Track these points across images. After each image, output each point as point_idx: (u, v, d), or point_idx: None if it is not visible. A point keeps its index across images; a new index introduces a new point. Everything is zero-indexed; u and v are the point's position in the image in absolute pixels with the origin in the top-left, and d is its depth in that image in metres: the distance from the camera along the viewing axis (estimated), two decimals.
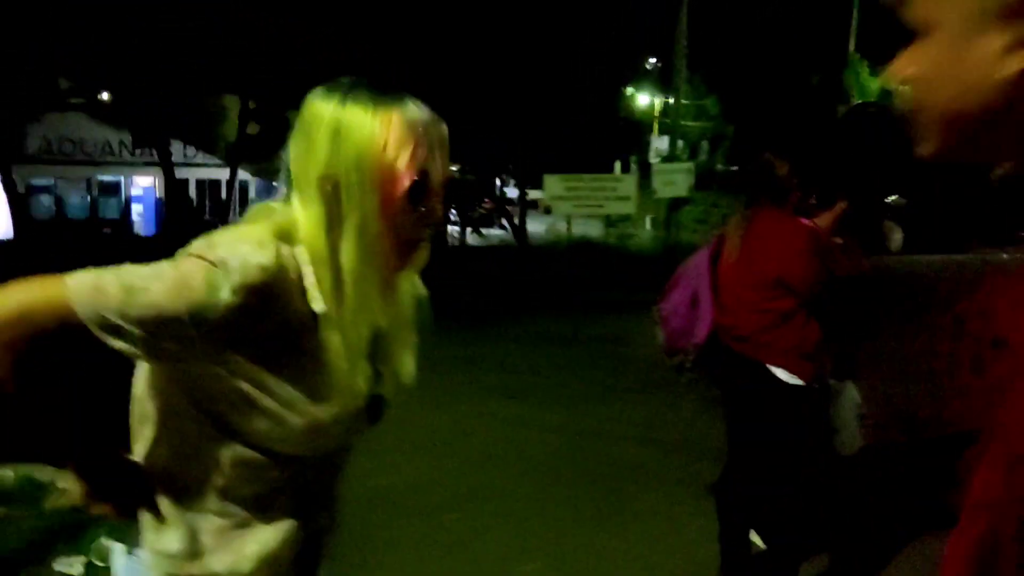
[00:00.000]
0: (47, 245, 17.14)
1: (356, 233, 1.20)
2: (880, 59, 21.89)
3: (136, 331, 1.12)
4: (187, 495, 1.27)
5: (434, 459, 5.07)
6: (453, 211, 23.29)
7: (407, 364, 1.41)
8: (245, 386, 1.20)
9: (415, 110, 1.24)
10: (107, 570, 1.41)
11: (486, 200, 24.37)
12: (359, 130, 1.20)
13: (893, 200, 22.52)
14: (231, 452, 1.25)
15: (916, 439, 5.57)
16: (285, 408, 1.21)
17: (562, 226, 20.25)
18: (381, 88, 1.25)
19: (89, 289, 1.13)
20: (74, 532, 3.52)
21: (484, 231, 24.06)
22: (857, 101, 21.16)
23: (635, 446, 5.40)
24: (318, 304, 1.20)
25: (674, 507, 4.22)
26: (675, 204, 20.49)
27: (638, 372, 6.84)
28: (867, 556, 3.69)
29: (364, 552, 3.67)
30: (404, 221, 1.24)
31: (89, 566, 3.29)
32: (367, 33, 15.50)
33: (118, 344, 1.14)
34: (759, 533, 3.41)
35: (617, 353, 8.12)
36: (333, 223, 1.20)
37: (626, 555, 3.75)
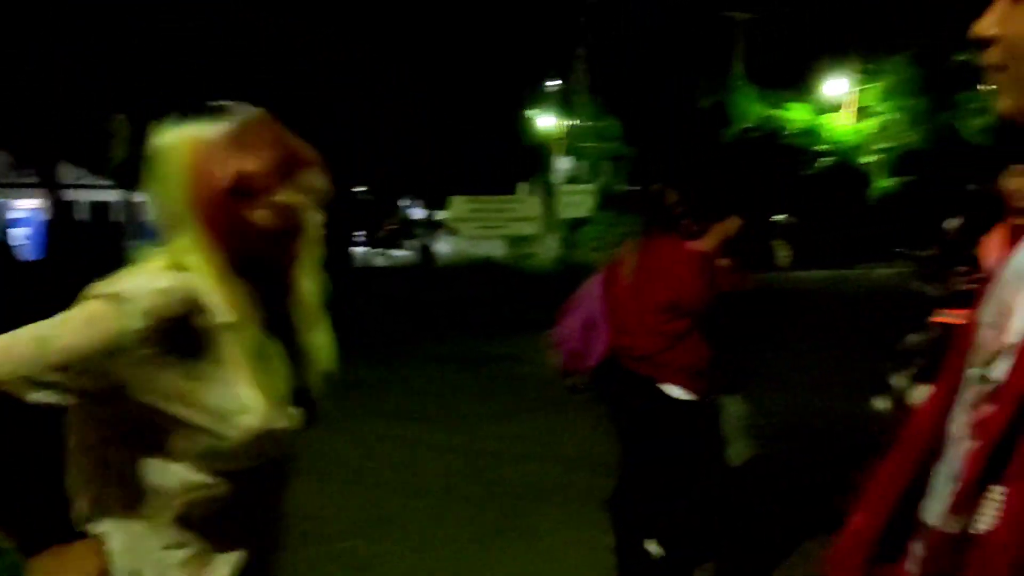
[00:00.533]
0: None
1: (205, 248, 1.26)
2: (764, 85, 22.88)
3: (57, 378, 1.16)
4: (145, 534, 1.28)
5: (333, 484, 4.99)
6: (360, 232, 23.13)
7: (321, 350, 1.44)
8: (175, 408, 1.23)
9: (228, 120, 1.29)
10: None
11: (389, 221, 24.26)
12: (179, 156, 1.27)
13: (782, 219, 23.50)
14: (178, 479, 1.27)
15: (802, 448, 5.82)
16: (218, 421, 1.24)
17: (467, 247, 20.35)
18: (206, 109, 1.31)
19: (1, 352, 1.17)
20: None
21: (390, 252, 23.94)
22: (743, 125, 22.05)
23: (533, 464, 5.45)
24: (218, 316, 1.26)
25: (572, 523, 4.27)
26: (576, 224, 20.87)
27: (537, 391, 6.91)
28: (755, 563, 3.82)
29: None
30: (241, 222, 1.28)
31: None
32: (266, 56, 15.30)
33: (41, 396, 1.17)
34: (657, 543, 3.50)
35: (517, 373, 8.19)
36: (192, 245, 1.26)
37: (525, 572, 3.78)
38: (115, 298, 1.19)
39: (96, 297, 1.21)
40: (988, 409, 0.81)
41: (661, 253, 3.27)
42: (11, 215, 25.29)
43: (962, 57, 21.26)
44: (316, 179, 1.36)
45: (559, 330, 3.54)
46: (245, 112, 1.31)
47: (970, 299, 3.22)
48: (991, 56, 0.82)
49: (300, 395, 1.37)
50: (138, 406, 1.23)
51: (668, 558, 3.28)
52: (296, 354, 1.38)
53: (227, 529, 1.32)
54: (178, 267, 1.26)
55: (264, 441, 1.29)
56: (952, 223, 3.32)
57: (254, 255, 1.32)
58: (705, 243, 3.35)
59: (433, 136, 18.39)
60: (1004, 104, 0.83)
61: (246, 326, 1.28)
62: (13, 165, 19.67)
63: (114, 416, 1.25)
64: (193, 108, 1.30)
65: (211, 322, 1.25)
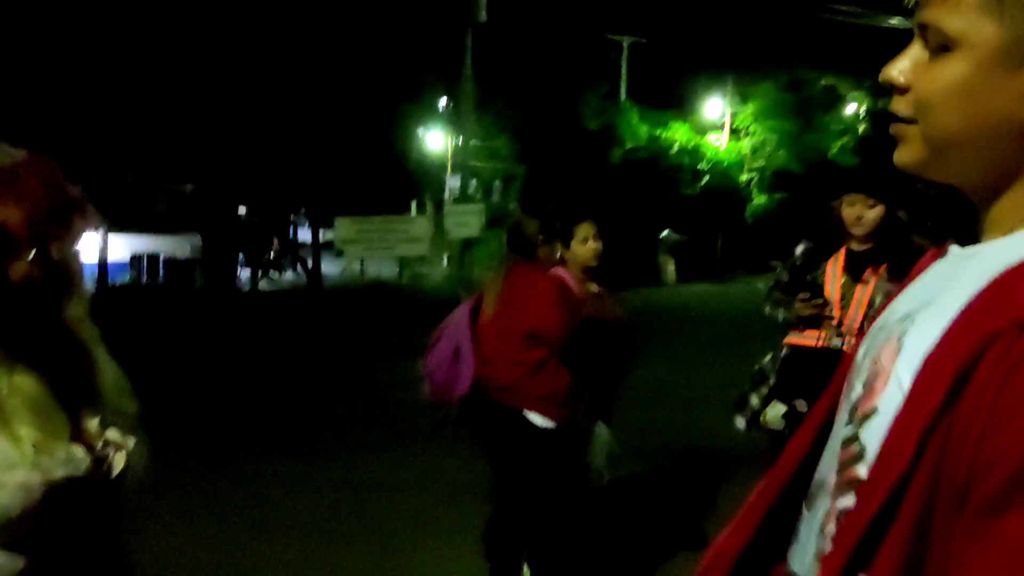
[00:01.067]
0: None
1: None
2: (648, 106, 23.56)
3: None
4: None
5: (205, 527, 4.79)
6: (242, 256, 22.45)
7: (113, 390, 1.35)
8: None
9: None
10: None
11: (275, 243, 23.69)
12: None
13: (667, 237, 24.10)
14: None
15: (672, 467, 5.96)
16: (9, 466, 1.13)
17: (356, 268, 20.08)
18: (88, 148, 1.20)
19: None
20: None
21: (275, 275, 23.37)
22: (628, 146, 22.62)
23: (414, 495, 5.38)
24: None
25: (451, 554, 4.23)
26: (468, 244, 20.90)
27: (423, 418, 6.84)
28: None
29: None
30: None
31: None
32: (129, 76, 14.70)
33: None
34: (528, 570, 3.50)
35: (404, 399, 8.06)
36: None
37: None
38: None
39: None
40: (850, 502, 0.78)
41: (521, 282, 3.31)
42: None
43: (827, 82, 22.46)
44: (86, 224, 1.25)
45: (428, 360, 3.51)
46: (7, 154, 1.18)
47: (813, 323, 3.34)
48: (899, 105, 0.79)
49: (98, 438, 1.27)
50: None
51: None
52: (86, 397, 1.28)
53: None
54: None
55: (46, 496, 1.16)
56: (799, 248, 3.46)
57: (13, 308, 1.19)
58: (566, 271, 3.40)
59: (319, 155, 18.06)
60: (906, 156, 0.80)
61: (8, 375, 1.17)
62: None
63: None
64: None
65: None
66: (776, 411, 3.36)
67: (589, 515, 3.81)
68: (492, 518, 3.51)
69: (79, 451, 1.22)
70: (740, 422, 3.52)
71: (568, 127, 22.70)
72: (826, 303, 3.20)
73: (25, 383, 1.20)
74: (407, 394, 8.16)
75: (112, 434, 1.28)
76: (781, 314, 3.38)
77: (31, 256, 1.17)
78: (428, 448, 6.36)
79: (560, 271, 3.42)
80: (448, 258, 26.20)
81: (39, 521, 1.17)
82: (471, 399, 3.39)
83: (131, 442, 1.32)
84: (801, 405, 3.33)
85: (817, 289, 3.24)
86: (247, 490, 5.55)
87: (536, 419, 3.23)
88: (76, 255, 1.25)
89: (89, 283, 20.41)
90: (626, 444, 4.29)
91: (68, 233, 1.22)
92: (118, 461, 1.27)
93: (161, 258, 23.81)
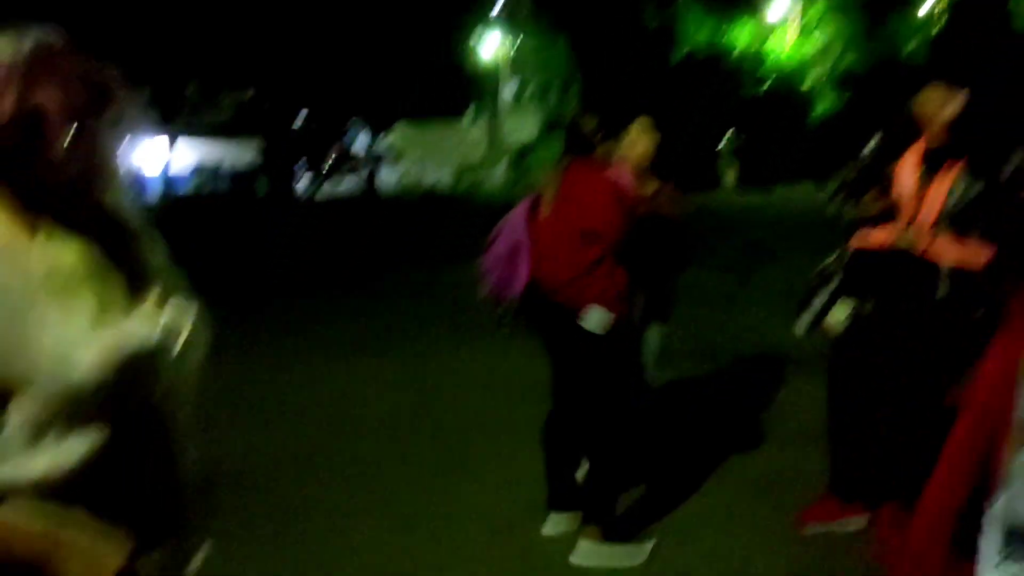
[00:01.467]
0: None
1: None
2: (710, 5, 22.65)
3: None
4: None
5: (269, 424, 5.00)
6: (302, 164, 22.64)
7: (161, 273, 1.34)
8: (7, 367, 1.13)
9: (17, 44, 1.16)
10: None
11: (334, 151, 23.76)
12: None
13: (728, 141, 23.50)
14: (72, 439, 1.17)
15: (729, 369, 5.98)
16: (57, 364, 1.14)
17: (413, 175, 20.12)
18: (154, 59, 1.20)
19: None
20: None
21: (333, 183, 23.53)
22: (688, 47, 21.89)
23: (478, 395, 5.52)
24: (14, 259, 1.15)
25: (513, 453, 4.35)
26: (525, 149, 20.72)
27: (485, 321, 6.95)
28: (677, 485, 3.96)
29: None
30: (30, 162, 1.17)
31: None
32: None
33: None
34: (584, 470, 3.59)
35: (466, 302, 8.19)
36: None
37: (464, 505, 3.86)
38: None
39: None
40: None
41: (578, 180, 3.29)
42: None
43: None
44: (126, 112, 1.24)
45: (487, 258, 3.55)
46: (42, 35, 1.17)
47: (884, 221, 3.29)
48: None
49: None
50: None
51: (594, 484, 3.37)
52: (139, 274, 1.29)
53: (109, 496, 1.22)
54: None
55: (118, 372, 1.18)
56: (869, 145, 3.36)
57: (55, 188, 1.20)
58: (623, 169, 3.37)
59: (377, 61, 17.90)
60: None
61: (59, 254, 1.18)
62: None
63: None
64: None
65: (12, 261, 1.15)
66: (840, 313, 3.33)
67: (644, 414, 3.89)
68: (550, 416, 3.60)
69: (142, 324, 1.24)
70: (801, 324, 3.50)
71: (627, 27, 22.01)
72: (897, 200, 3.13)
73: (80, 259, 1.21)
74: (467, 296, 8.32)
75: (170, 310, 1.29)
76: (849, 213, 3.32)
77: (69, 136, 1.17)
78: (489, 348, 6.49)
79: (617, 169, 3.39)
80: (504, 164, 26.10)
81: (112, 397, 1.18)
82: (528, 298, 3.43)
83: (189, 318, 1.32)
84: (867, 306, 3.30)
85: (889, 186, 3.16)
86: (313, 388, 5.76)
87: (592, 316, 3.25)
88: (115, 140, 1.25)
89: (154, 194, 20.79)
90: (679, 345, 4.34)
91: (105, 116, 1.22)
92: (180, 335, 1.29)
93: (224, 167, 24.16)
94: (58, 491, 1.17)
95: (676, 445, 4.51)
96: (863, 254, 3.29)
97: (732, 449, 4.36)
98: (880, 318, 3.26)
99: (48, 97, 1.15)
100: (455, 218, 16.11)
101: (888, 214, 3.20)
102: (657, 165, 3.76)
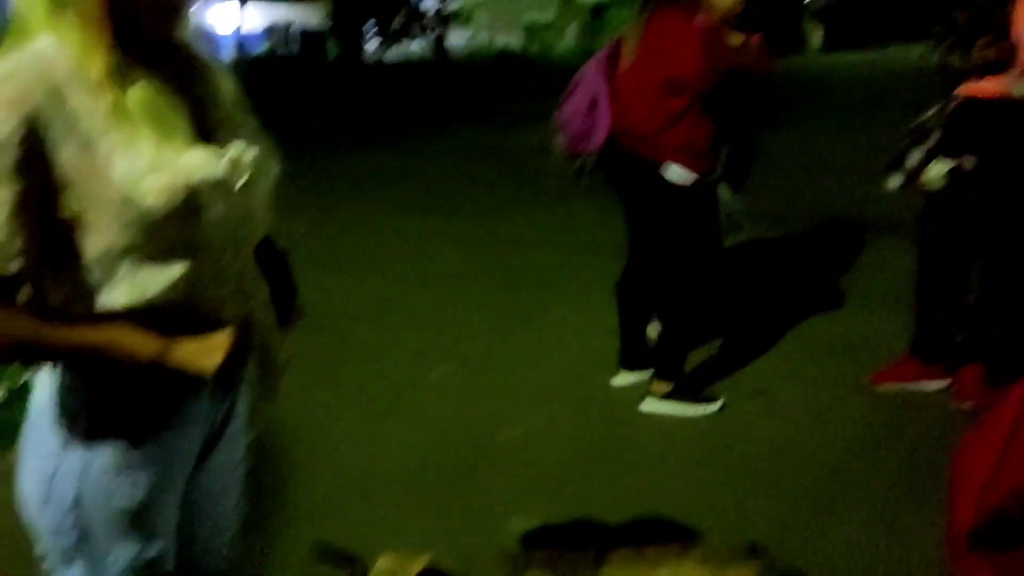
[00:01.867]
0: None
1: (81, 15, 1.13)
2: None
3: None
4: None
5: (346, 274, 5.11)
6: (371, 26, 22.23)
7: (227, 93, 1.34)
8: (83, 190, 1.13)
9: None
10: (27, 390, 1.39)
11: (403, 14, 23.21)
12: None
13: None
14: (141, 277, 1.19)
15: (807, 231, 5.82)
16: (131, 188, 1.15)
17: (482, 37, 19.62)
18: None
19: None
20: None
21: (402, 46, 23.12)
22: None
23: (549, 251, 5.52)
24: (91, 82, 1.14)
25: (586, 307, 4.37)
26: (598, 10, 19.92)
27: (556, 180, 6.88)
28: (749, 346, 3.93)
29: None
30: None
31: (10, 391, 3.30)
32: None
33: (15, 261, 1.12)
34: (657, 326, 3.58)
35: (536, 163, 8.11)
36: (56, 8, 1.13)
37: (534, 354, 3.91)
38: None
39: None
40: None
41: (663, 27, 3.11)
42: None
43: None
44: None
45: (563, 112, 3.43)
46: None
47: (996, 69, 3.06)
48: None
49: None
50: (51, 208, 1.13)
51: (667, 341, 3.36)
52: (208, 107, 1.28)
53: (200, 304, 1.26)
54: (25, 39, 1.13)
55: (191, 195, 1.19)
56: None
57: (126, 20, 1.17)
58: (712, 15, 3.15)
59: None
60: None
61: (128, 86, 1.16)
62: None
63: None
64: None
65: (85, 90, 1.13)
66: (939, 169, 3.15)
67: (721, 272, 3.82)
68: (625, 271, 3.56)
69: (211, 155, 1.23)
70: (894, 181, 3.34)
71: None
72: (1013, 46, 2.89)
73: (152, 90, 1.20)
74: (537, 158, 8.25)
75: (239, 144, 1.29)
76: (957, 62, 3.09)
77: None
78: (561, 205, 6.45)
79: (704, 18, 3.18)
80: (577, 25, 25.17)
81: (183, 226, 1.19)
82: (607, 150, 3.33)
83: (257, 151, 1.32)
84: (968, 162, 3.11)
85: (1004, 31, 2.91)
86: (386, 244, 5.83)
87: (674, 172, 3.15)
88: None
89: (226, 54, 20.79)
90: (759, 207, 4.22)
91: None
92: (247, 169, 1.29)
93: (295, 28, 23.91)
94: (144, 322, 1.21)
95: (751, 305, 4.47)
96: (970, 105, 3.07)
97: (808, 311, 4.29)
98: (981, 173, 3.08)
99: None
100: (525, 80, 15.77)
101: (1001, 63, 2.97)
102: (744, 19, 3.53)
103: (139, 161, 1.14)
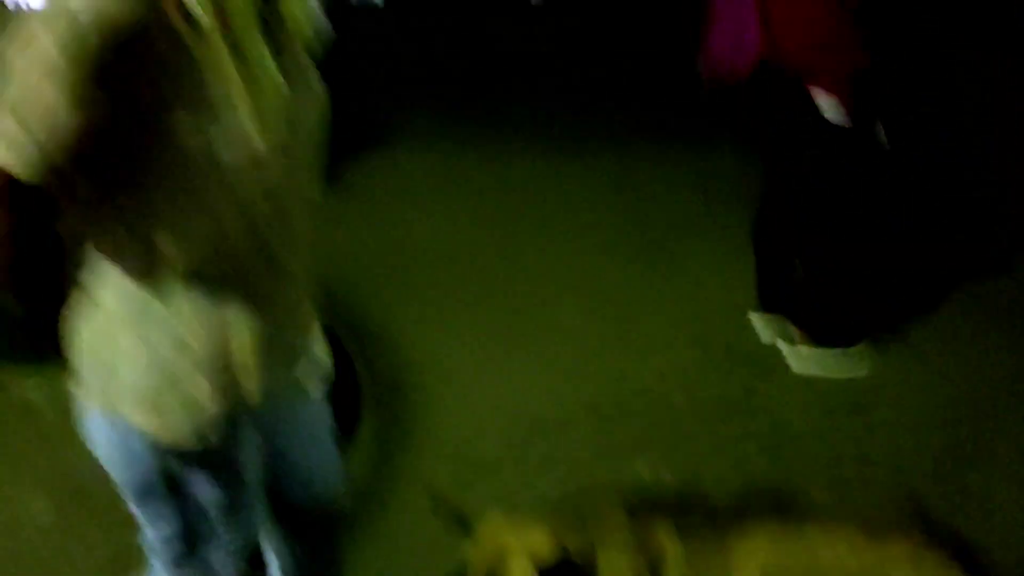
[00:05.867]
0: None
1: None
2: None
3: (60, 157, 1.01)
4: (155, 307, 1.17)
5: (468, 207, 5.06)
6: None
7: (309, 67, 1.25)
8: (162, 131, 1.05)
9: None
10: None
11: None
12: None
13: None
14: (186, 232, 1.13)
15: None
16: (214, 140, 1.07)
17: None
18: None
19: (5, 148, 1.01)
20: None
21: None
22: None
23: (686, 196, 5.28)
24: (195, 9, 1.03)
25: (717, 251, 4.18)
26: None
27: (693, 120, 6.59)
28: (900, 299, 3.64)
29: (388, 297, 3.74)
30: None
31: None
32: None
33: (67, 183, 1.04)
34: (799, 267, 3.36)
35: (674, 100, 7.81)
36: None
37: (664, 294, 3.78)
38: (57, 25, 0.96)
39: (32, 31, 0.98)
40: None
41: None
42: None
43: None
44: None
45: (705, 36, 3.18)
46: None
47: None
48: None
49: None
50: (122, 139, 1.04)
51: (808, 287, 3.15)
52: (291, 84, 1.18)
53: (241, 275, 1.20)
54: None
55: (267, 165, 1.13)
56: None
57: None
58: None
59: None
60: None
61: (235, 25, 1.06)
62: None
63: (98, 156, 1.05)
64: None
65: (186, 16, 1.03)
66: None
67: (866, 214, 3.52)
68: (761, 211, 3.33)
69: (281, 118, 1.15)
70: None
71: None
72: None
73: (249, 30, 1.09)
74: (676, 94, 7.94)
75: (303, 100, 1.21)
76: None
77: None
78: (697, 149, 6.17)
79: None
80: None
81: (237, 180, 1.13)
82: (753, 79, 3.06)
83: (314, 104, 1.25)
84: None
85: None
86: (512, 183, 5.73)
87: (826, 104, 2.88)
88: None
89: None
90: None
91: None
92: (305, 129, 1.23)
93: None
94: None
95: (902, 252, 4.13)
96: None
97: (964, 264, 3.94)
98: None
99: None
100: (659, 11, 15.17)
101: None
102: None
103: (234, 119, 1.07)
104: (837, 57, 2.82)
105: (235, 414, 1.26)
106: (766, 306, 3.36)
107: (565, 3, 15.35)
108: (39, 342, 1.25)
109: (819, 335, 3.13)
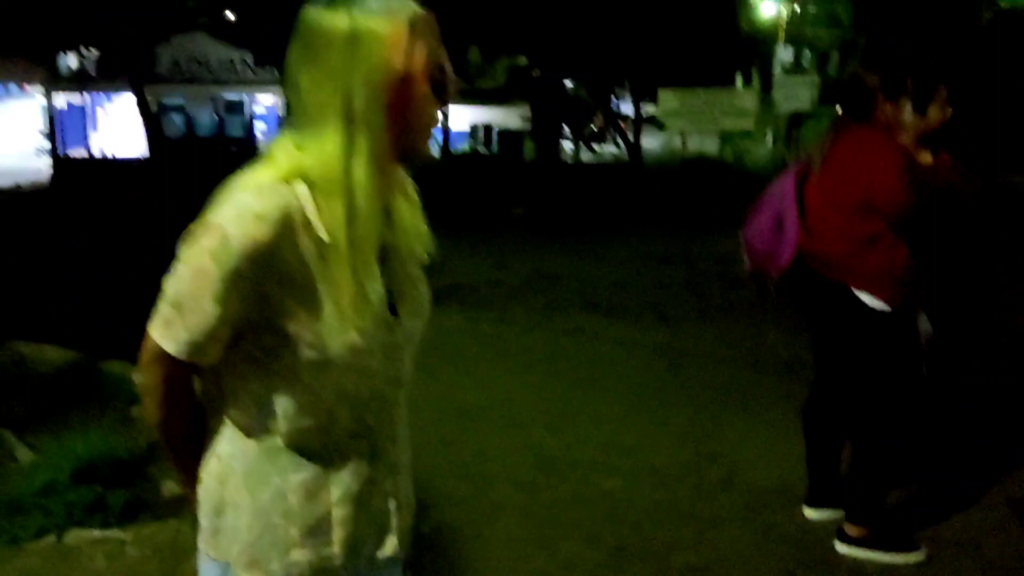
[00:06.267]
0: (179, 163, 18.06)
1: (368, 153, 1.20)
2: None
3: (204, 340, 1.23)
4: (261, 458, 1.31)
5: (526, 376, 5.18)
6: (566, 127, 23.04)
7: (424, 238, 1.40)
8: (281, 324, 1.22)
9: (417, 7, 1.23)
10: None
11: (598, 116, 23.91)
12: (375, 41, 1.18)
13: None
14: (286, 402, 1.28)
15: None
16: (319, 335, 1.23)
17: (677, 142, 19.77)
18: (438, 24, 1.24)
19: (162, 328, 1.25)
20: None
21: (597, 147, 23.76)
22: (1004, 3, 19.43)
23: (733, 368, 5.35)
24: (324, 235, 1.21)
25: (768, 429, 4.20)
26: (797, 119, 19.60)
27: (745, 292, 6.73)
28: (945, 484, 3.59)
29: (451, 460, 3.83)
30: (417, 117, 1.24)
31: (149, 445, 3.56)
32: None
33: (207, 359, 1.26)
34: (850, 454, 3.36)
35: (724, 273, 7.98)
36: (348, 148, 1.19)
37: (714, 477, 3.77)
38: (214, 238, 1.18)
39: (197, 238, 1.20)
40: None
41: (856, 147, 2.94)
42: (254, 110, 27.50)
43: None
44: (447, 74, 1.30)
45: (748, 229, 3.35)
46: (410, 4, 1.23)
47: None
48: None
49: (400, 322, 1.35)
50: (251, 326, 1.24)
51: (860, 477, 3.14)
52: (392, 279, 1.34)
53: (344, 457, 1.33)
54: (292, 174, 1.21)
55: (367, 358, 1.28)
56: None
57: (389, 168, 1.27)
58: (906, 135, 2.99)
59: (644, 25, 17.68)
60: None
61: (352, 242, 1.22)
62: (255, 62, 21.14)
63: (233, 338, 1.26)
64: None
65: (310, 240, 1.21)
66: None
67: (920, 405, 3.54)
68: (812, 395, 3.38)
69: (390, 321, 1.32)
70: None
71: None
72: None
73: (372, 242, 1.27)
74: (727, 268, 8.12)
75: (412, 306, 1.37)
76: None
77: (441, 100, 1.27)
78: (746, 321, 6.28)
79: (900, 136, 3.01)
80: (774, 134, 24.86)
81: (344, 373, 1.29)
82: (793, 272, 3.21)
83: (422, 311, 1.40)
84: None
85: None
86: (566, 346, 5.88)
87: (867, 299, 2.99)
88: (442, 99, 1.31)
89: (434, 152, 22.23)
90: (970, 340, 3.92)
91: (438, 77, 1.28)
92: (414, 338, 1.39)
93: (495, 129, 25.27)
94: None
95: (956, 443, 4.10)
96: None
97: (1017, 459, 3.89)
98: None
99: (444, 57, 1.25)
100: (719, 186, 15.66)
101: None
102: (945, 135, 3.33)
103: (335, 312, 1.23)
104: (875, 260, 2.93)
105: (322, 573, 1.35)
106: (820, 496, 3.35)
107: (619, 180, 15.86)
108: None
109: (877, 532, 3.09)
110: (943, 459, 3.88)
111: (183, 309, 1.22)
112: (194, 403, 1.35)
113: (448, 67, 1.26)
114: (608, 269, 8.79)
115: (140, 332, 1.30)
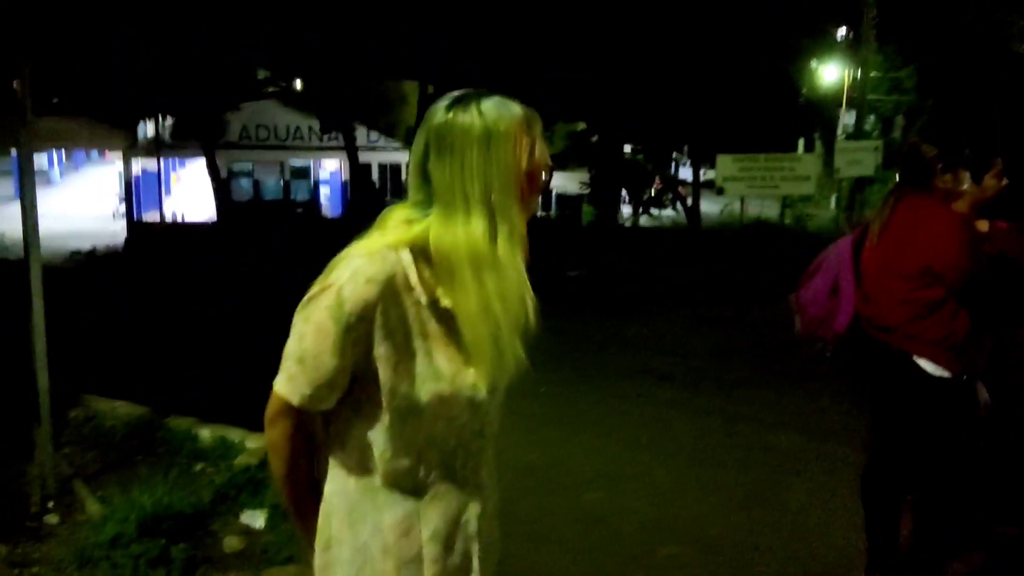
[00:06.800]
0: (247, 226, 18.68)
1: (509, 235, 1.38)
2: None
3: (326, 391, 1.39)
4: (361, 496, 1.45)
5: (584, 437, 5.18)
6: (625, 192, 23.20)
7: (516, 341, 1.49)
8: (382, 373, 1.38)
9: (528, 109, 1.41)
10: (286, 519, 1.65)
11: (656, 180, 24.03)
12: (506, 140, 1.36)
13: None
14: (381, 442, 1.42)
15: None
16: (416, 386, 1.38)
17: (736, 207, 19.74)
18: (500, 93, 1.40)
19: (287, 383, 1.40)
20: (258, 487, 3.91)
21: (656, 212, 23.82)
22: None
23: (789, 433, 5.27)
24: (422, 296, 1.38)
25: (825, 498, 4.13)
26: (861, 183, 19.44)
27: (797, 359, 6.64)
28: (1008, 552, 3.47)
29: (506, 522, 3.83)
30: (532, 206, 1.45)
31: (271, 518, 3.65)
32: (537, 22, 15.68)
33: (325, 406, 1.41)
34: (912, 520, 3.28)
35: (782, 338, 7.89)
36: (492, 230, 1.36)
37: (771, 545, 3.71)
38: (331, 298, 1.34)
39: (315, 297, 1.37)
40: None
41: (913, 214, 2.97)
42: (319, 175, 28.32)
43: None
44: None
45: (803, 293, 3.36)
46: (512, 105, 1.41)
47: None
48: None
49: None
50: (359, 375, 1.40)
51: (921, 545, 3.07)
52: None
53: (432, 492, 1.45)
54: (402, 244, 1.38)
55: (453, 406, 1.40)
56: None
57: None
58: (964, 203, 2.99)
59: (705, 91, 17.86)
60: None
61: (481, 305, 1.37)
62: (321, 129, 21.86)
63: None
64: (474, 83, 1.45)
65: (416, 300, 1.38)
66: None
67: (978, 473, 3.45)
68: (871, 463, 3.32)
69: (480, 377, 1.44)
70: None
71: (989, 52, 19.81)
72: None
73: (471, 306, 1.41)
74: (785, 333, 8.01)
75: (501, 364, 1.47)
76: None
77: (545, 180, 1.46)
78: (801, 386, 6.19)
79: (957, 204, 3.01)
80: (836, 199, 24.63)
81: (434, 424, 1.43)
82: (849, 337, 3.19)
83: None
84: None
85: None
86: (624, 409, 5.86)
87: (927, 366, 2.95)
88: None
89: None
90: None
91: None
92: (501, 394, 1.51)
93: (555, 193, 25.58)
94: None
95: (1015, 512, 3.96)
96: None
97: None
98: None
99: (539, 152, 1.43)
100: (777, 251, 15.55)
101: None
102: (1000, 203, 3.31)
103: (431, 367, 1.38)
104: (936, 326, 2.92)
105: None
106: (879, 564, 3.25)
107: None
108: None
109: None
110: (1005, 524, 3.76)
111: (305, 364, 1.37)
112: (311, 455, 1.49)
113: (549, 159, 1.43)
114: (668, 332, 8.76)
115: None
